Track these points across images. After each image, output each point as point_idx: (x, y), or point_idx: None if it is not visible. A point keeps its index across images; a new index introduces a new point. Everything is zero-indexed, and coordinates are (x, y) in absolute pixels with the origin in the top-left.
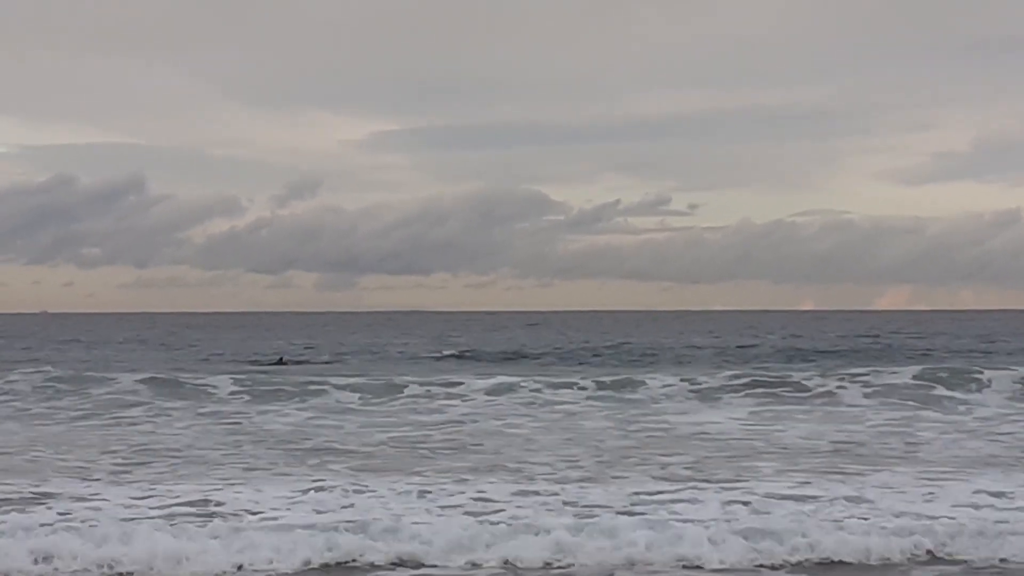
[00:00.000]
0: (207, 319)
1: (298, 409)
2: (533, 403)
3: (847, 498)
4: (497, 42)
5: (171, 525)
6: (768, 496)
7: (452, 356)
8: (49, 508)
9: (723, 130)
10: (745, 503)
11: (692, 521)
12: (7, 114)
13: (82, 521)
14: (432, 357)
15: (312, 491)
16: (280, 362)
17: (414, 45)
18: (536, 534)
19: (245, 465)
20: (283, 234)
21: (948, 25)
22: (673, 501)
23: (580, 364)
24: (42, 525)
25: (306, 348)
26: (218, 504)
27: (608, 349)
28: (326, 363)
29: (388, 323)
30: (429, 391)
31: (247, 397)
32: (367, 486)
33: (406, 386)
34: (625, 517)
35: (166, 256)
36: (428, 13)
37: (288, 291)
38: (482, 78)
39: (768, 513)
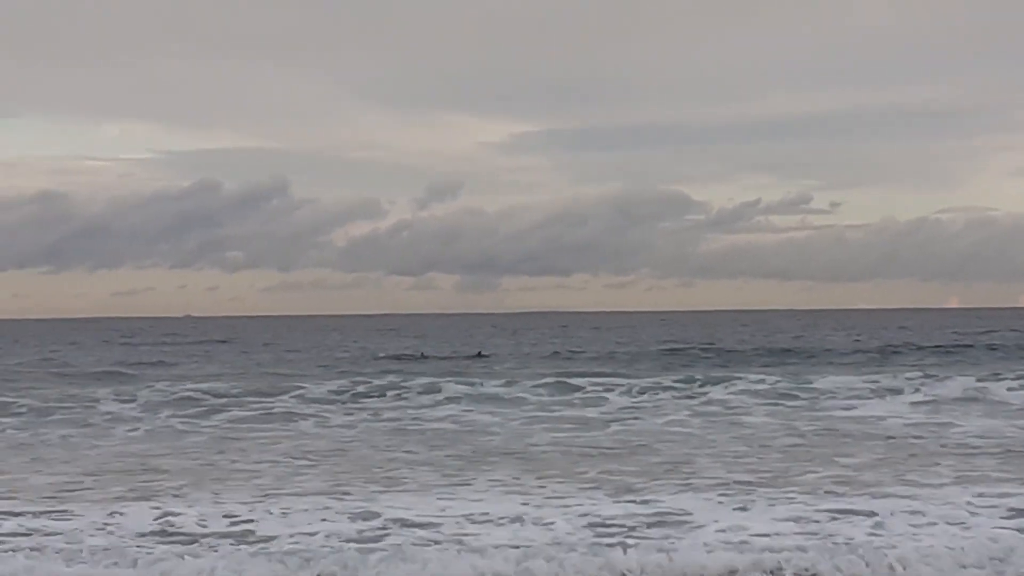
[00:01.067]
0: (351, 321)
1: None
2: (701, 401)
3: None
4: (636, 42)
5: None
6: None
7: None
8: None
9: (864, 128)
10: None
11: None
12: (151, 120)
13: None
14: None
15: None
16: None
17: (552, 47)
18: None
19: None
20: (424, 236)
21: None
22: None
23: (739, 362)
24: None
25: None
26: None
27: (765, 347)
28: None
29: (541, 323)
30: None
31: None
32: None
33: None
34: None
35: (309, 259)
36: (566, 14)
37: (429, 293)
38: (621, 78)
39: None
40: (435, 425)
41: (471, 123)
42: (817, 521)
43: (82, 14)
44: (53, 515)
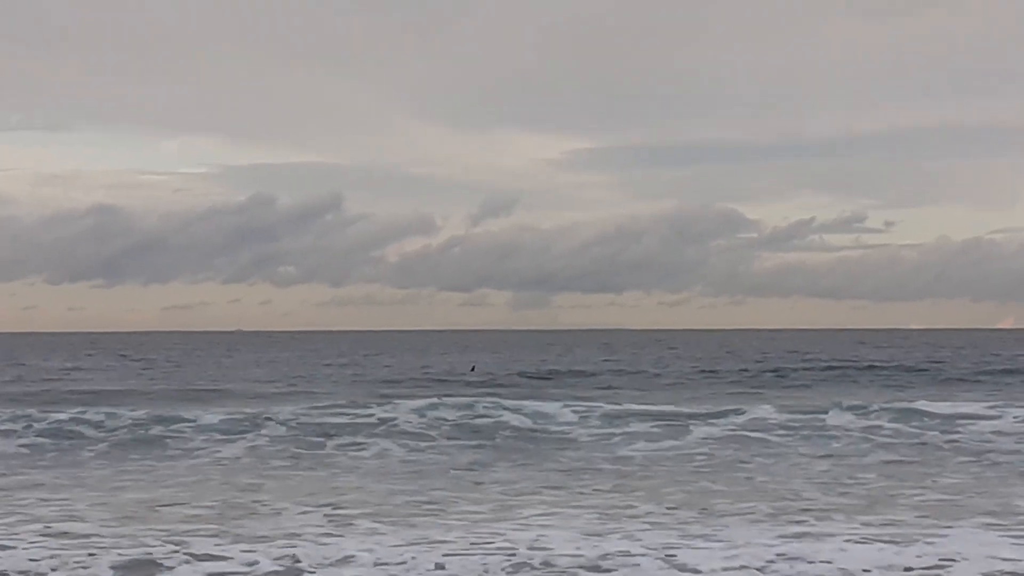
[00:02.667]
0: (402, 337)
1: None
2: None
3: None
4: (693, 59)
5: None
6: None
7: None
8: None
9: (920, 147)
10: None
11: None
12: (208, 134)
13: None
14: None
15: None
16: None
17: (608, 63)
18: None
19: None
20: (477, 252)
21: None
22: None
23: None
24: None
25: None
26: None
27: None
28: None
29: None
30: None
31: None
32: None
33: None
34: None
35: (361, 274)
36: (621, 31)
37: (481, 309)
38: (678, 95)
39: None
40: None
41: (527, 139)
42: None
43: (141, 27)
44: None
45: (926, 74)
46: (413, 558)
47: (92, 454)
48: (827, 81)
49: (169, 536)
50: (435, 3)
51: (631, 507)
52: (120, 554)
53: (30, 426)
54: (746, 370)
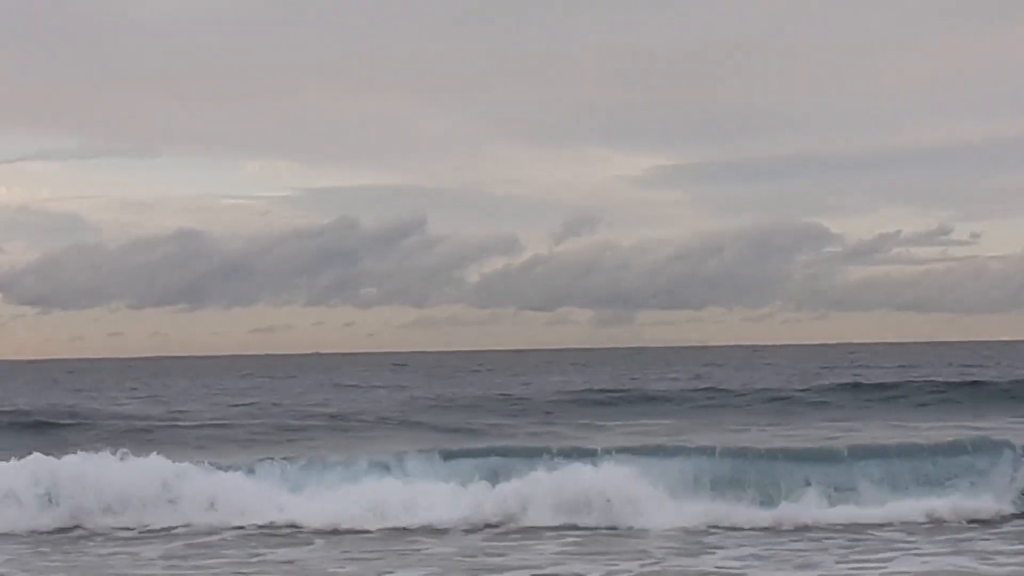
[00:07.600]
0: (488, 357)
1: None
2: None
3: None
4: (772, 74)
5: None
6: None
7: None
8: None
9: (1006, 158)
10: None
11: None
12: (291, 158)
13: None
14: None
15: None
16: None
17: (689, 79)
18: None
19: None
20: (559, 271)
21: None
22: None
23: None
24: None
25: None
26: None
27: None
28: None
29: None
30: None
31: None
32: None
33: None
34: None
35: (444, 295)
36: (702, 47)
37: (564, 328)
38: (758, 110)
39: None
40: None
41: (608, 157)
42: None
43: (221, 52)
44: None
45: (1011, 84)
46: None
47: None
48: (911, 93)
49: None
50: (516, 28)
51: None
52: None
53: None
54: None
